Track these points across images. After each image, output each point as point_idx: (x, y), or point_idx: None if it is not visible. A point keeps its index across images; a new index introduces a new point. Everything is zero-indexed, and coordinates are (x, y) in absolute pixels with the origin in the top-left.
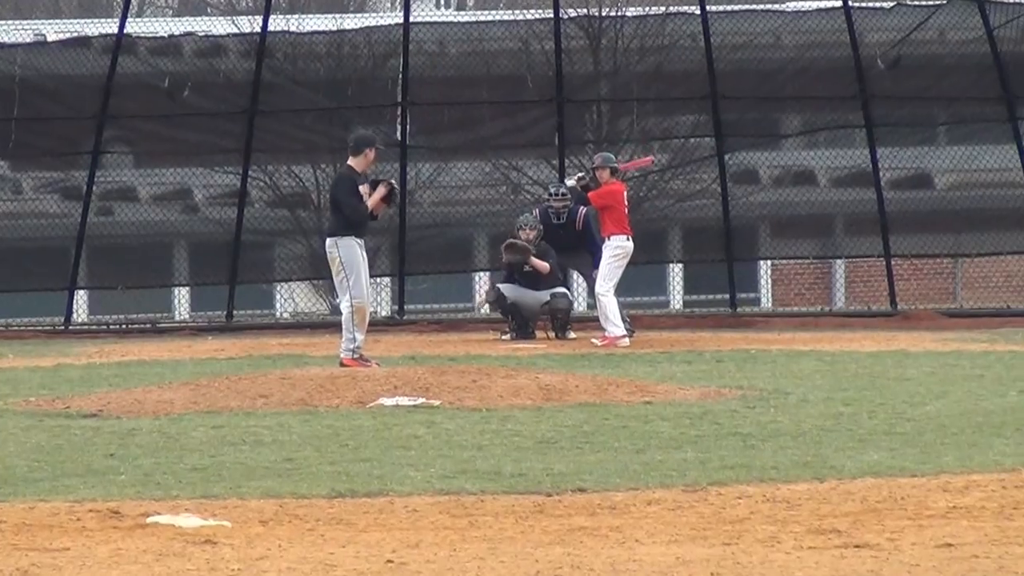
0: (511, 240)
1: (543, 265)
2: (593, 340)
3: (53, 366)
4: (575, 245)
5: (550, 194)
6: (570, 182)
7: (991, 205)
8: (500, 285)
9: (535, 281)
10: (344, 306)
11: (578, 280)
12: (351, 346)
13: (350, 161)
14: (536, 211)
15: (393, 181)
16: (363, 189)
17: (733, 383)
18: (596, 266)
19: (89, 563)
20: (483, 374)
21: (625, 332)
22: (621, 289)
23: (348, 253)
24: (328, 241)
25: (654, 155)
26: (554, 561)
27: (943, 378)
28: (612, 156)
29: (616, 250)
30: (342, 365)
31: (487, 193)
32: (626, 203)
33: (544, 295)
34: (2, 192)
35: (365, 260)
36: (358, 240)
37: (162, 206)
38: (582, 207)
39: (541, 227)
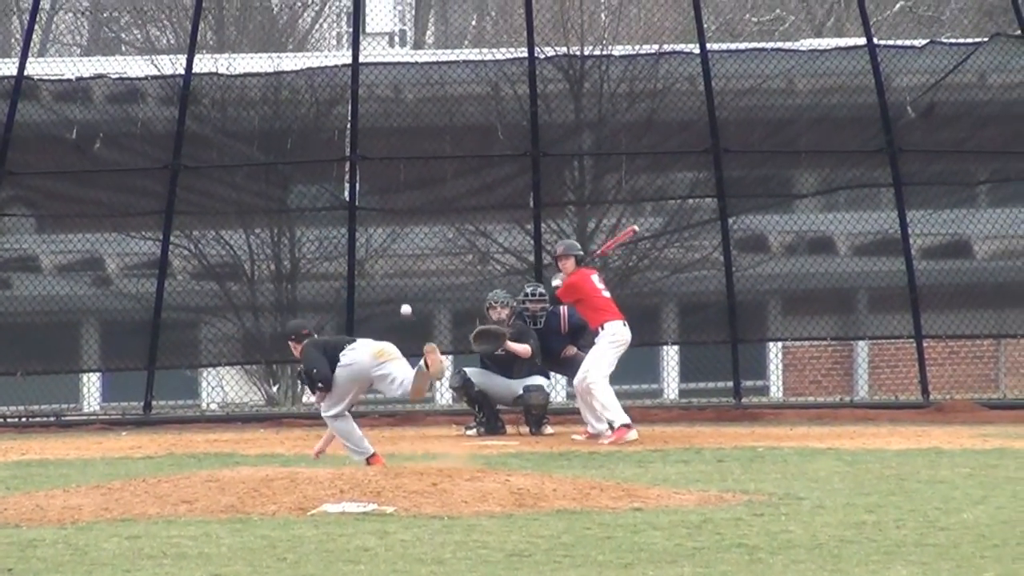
0: (482, 328)
1: (523, 349)
2: (574, 436)
3: None
4: (561, 350)
5: (525, 295)
6: (556, 282)
7: None
8: (467, 369)
9: (508, 366)
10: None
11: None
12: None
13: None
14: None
15: None
16: None
17: (737, 486)
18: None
19: None
20: (444, 476)
21: (629, 421)
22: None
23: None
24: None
25: (637, 222)
26: None
27: (983, 481)
28: (576, 243)
29: (613, 337)
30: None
31: (450, 263)
32: (600, 285)
33: (518, 386)
34: None
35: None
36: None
37: (69, 278)
38: (563, 306)
39: (515, 303)
